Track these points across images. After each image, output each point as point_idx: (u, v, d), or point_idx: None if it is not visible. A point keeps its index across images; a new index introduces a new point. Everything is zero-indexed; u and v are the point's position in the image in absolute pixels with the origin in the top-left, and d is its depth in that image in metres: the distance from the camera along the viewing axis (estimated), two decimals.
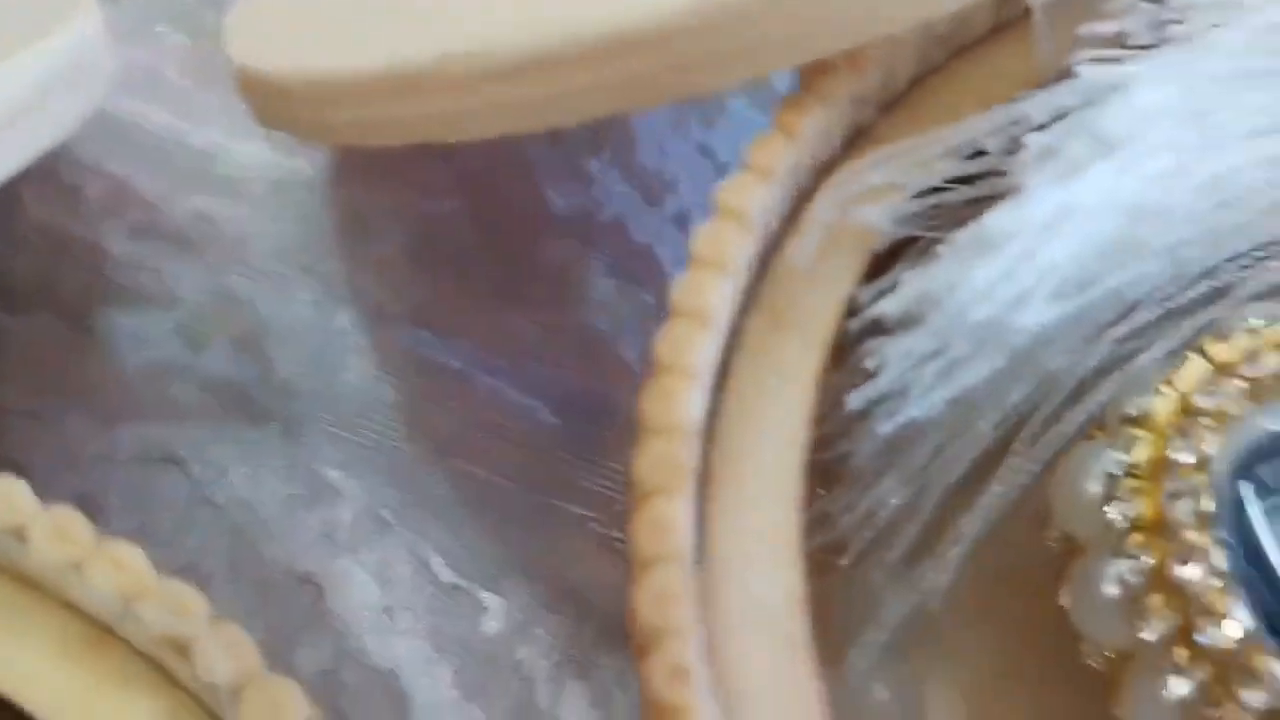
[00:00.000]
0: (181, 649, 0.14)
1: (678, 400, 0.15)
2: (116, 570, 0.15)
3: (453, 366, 0.24)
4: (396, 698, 0.22)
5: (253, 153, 0.27)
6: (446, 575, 0.23)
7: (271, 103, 0.21)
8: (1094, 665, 0.17)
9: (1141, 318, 0.18)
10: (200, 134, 0.27)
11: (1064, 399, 0.18)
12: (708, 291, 0.16)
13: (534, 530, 0.23)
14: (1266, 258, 0.18)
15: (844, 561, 0.19)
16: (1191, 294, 0.18)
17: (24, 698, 0.15)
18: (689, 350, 0.15)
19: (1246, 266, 0.17)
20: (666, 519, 0.14)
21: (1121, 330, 0.18)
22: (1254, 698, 0.15)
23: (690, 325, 0.16)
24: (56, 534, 0.15)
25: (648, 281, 0.26)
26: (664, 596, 0.14)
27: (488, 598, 0.23)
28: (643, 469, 0.15)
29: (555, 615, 0.22)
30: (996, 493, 0.18)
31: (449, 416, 0.24)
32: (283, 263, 0.26)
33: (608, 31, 0.16)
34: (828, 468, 0.18)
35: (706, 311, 0.16)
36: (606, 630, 0.22)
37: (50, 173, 0.26)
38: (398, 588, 0.23)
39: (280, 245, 0.26)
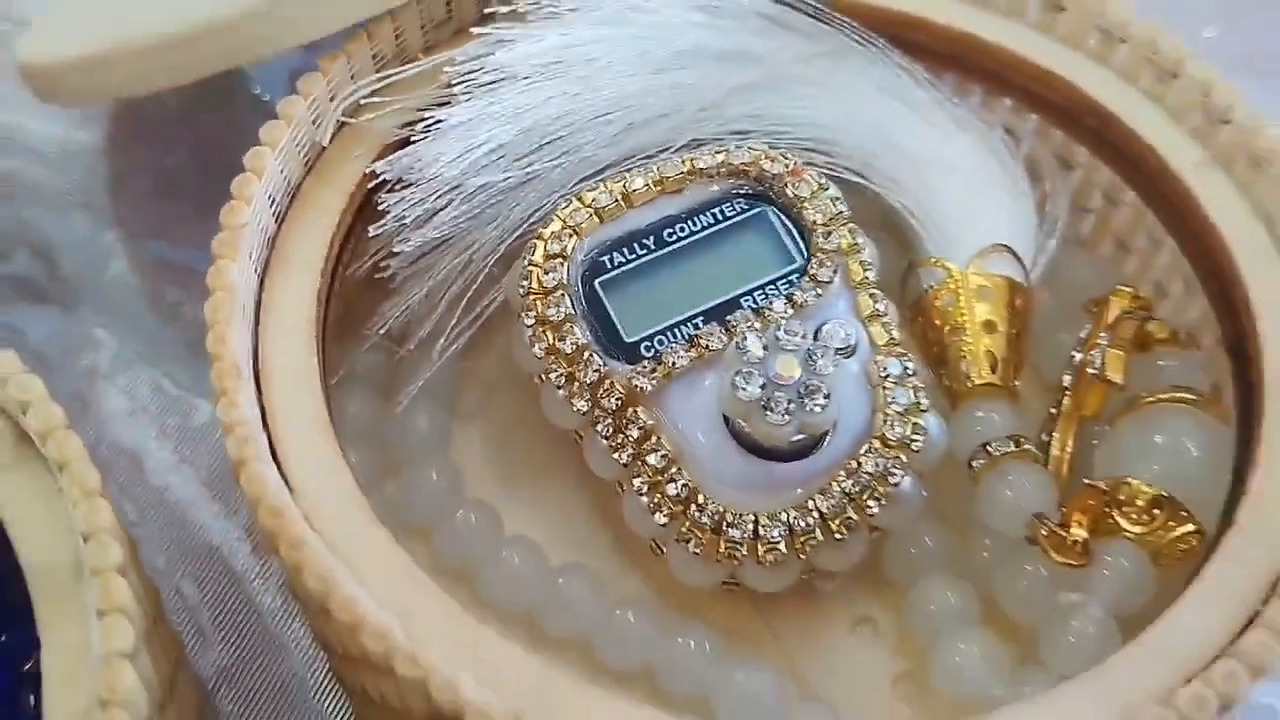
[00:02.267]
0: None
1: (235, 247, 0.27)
2: None
3: (179, 262, 0.37)
4: (136, 462, 0.33)
5: (45, 128, 0.39)
6: (171, 390, 0.35)
7: (40, 83, 0.33)
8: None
9: (532, 186, 0.30)
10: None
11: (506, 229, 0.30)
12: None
13: None
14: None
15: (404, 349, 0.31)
16: (556, 172, 0.30)
17: None
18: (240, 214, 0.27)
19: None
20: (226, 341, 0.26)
21: (525, 192, 0.30)
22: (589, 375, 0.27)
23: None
24: None
25: None
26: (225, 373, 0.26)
27: (199, 402, 0.35)
28: (209, 307, 0.26)
29: None
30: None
31: (176, 292, 0.36)
32: (68, 201, 0.38)
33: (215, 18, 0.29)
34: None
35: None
36: None
37: None
38: (139, 399, 0.34)
39: (66, 190, 0.38)
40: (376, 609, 0.23)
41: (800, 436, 0.27)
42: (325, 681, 0.31)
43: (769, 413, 0.26)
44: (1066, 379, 0.29)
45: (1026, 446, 0.28)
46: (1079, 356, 0.29)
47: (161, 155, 0.38)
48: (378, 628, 0.22)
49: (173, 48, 0.29)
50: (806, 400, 0.26)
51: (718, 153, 0.30)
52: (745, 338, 0.27)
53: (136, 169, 0.38)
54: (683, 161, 0.30)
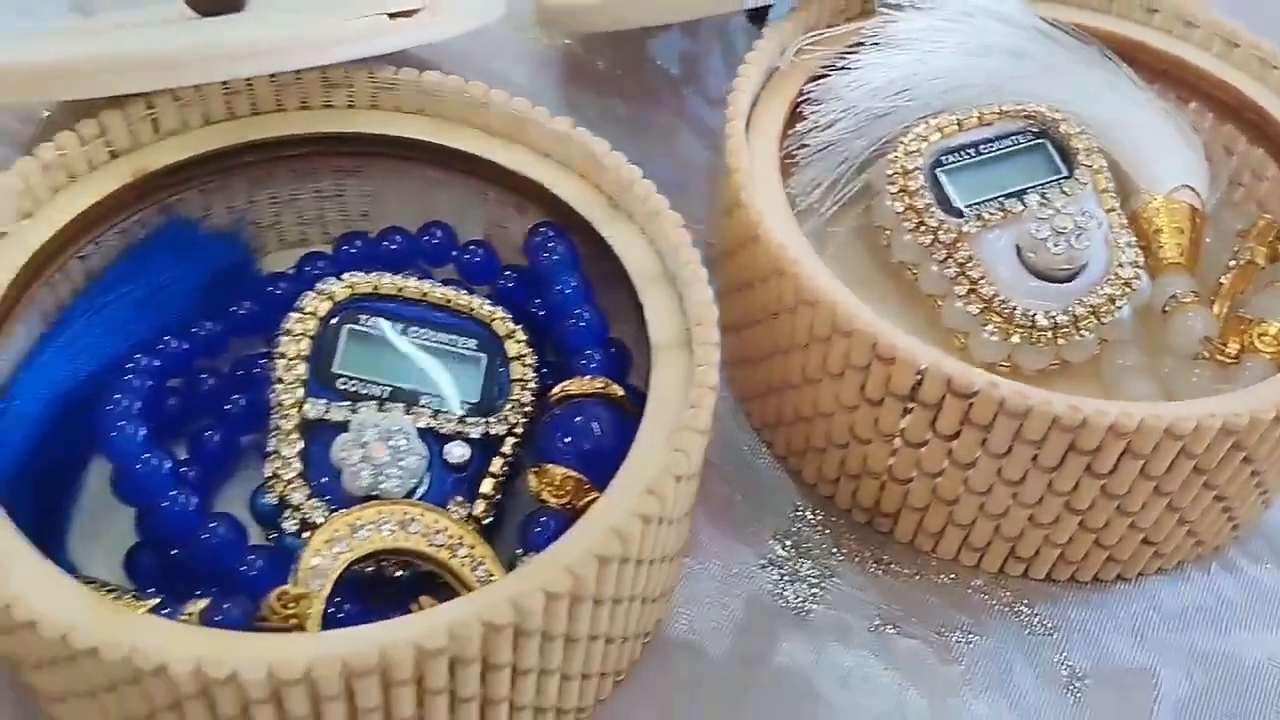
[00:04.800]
0: None
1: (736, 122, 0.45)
2: None
3: None
4: None
5: None
6: None
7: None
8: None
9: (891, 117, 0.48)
10: None
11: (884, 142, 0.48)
12: None
13: None
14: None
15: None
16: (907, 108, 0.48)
17: None
18: (734, 104, 0.45)
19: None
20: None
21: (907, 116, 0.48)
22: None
23: None
24: None
25: None
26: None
27: None
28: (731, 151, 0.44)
29: None
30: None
31: None
32: None
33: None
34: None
35: None
36: None
37: None
38: None
39: None
40: None
41: (1067, 267, 0.44)
42: None
43: (1052, 248, 0.43)
44: (1230, 264, 0.46)
45: (1198, 299, 0.45)
46: (1237, 249, 0.47)
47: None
48: None
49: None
50: (1075, 242, 0.43)
51: (1017, 104, 0.47)
52: (1038, 206, 0.44)
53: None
54: (995, 107, 0.47)
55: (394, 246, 0.45)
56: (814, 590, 0.42)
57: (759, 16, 0.58)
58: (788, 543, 0.43)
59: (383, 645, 0.30)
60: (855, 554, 0.43)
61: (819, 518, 0.44)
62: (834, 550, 0.43)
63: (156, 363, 0.41)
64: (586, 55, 0.60)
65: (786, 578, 0.43)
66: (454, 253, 0.45)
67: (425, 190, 0.47)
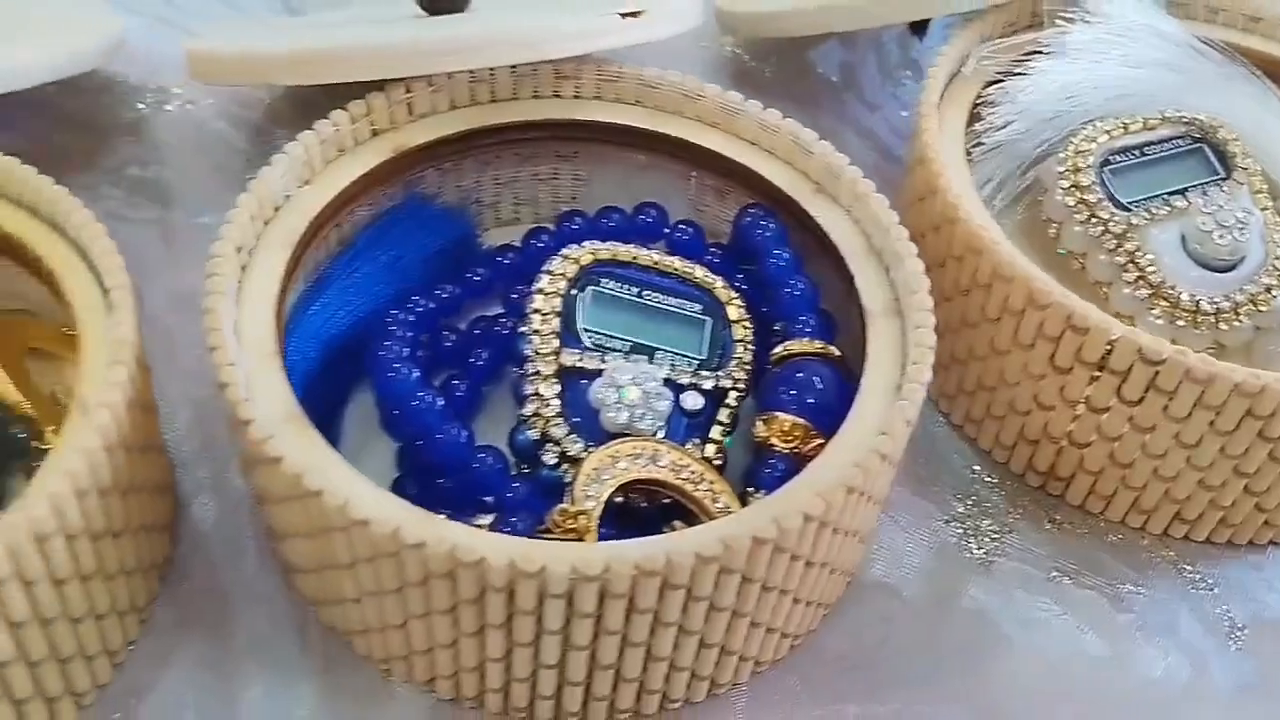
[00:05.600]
0: None
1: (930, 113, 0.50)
2: None
3: None
4: None
5: None
6: None
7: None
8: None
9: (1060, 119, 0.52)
10: None
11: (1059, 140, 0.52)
12: None
13: None
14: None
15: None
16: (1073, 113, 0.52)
17: None
18: (928, 94, 0.50)
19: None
20: None
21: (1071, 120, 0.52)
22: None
23: None
24: None
25: None
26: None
27: None
28: None
29: None
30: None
31: None
32: None
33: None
34: None
35: None
36: None
37: None
38: None
39: None
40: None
41: (1229, 258, 0.48)
42: None
43: (1217, 239, 0.48)
44: None
45: None
46: None
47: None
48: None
49: None
50: (1238, 235, 0.48)
51: (1178, 110, 0.52)
52: (1202, 202, 0.49)
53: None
54: (1158, 113, 0.52)
55: (610, 224, 0.50)
56: (994, 543, 0.46)
57: (920, 27, 0.63)
58: (969, 501, 0.48)
59: (667, 551, 0.35)
60: (1030, 514, 0.48)
61: (994, 480, 0.49)
62: (1010, 509, 0.48)
63: (411, 318, 0.45)
64: (753, 63, 0.65)
65: (969, 532, 0.47)
66: (665, 230, 0.50)
67: (631, 175, 0.52)
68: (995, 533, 0.47)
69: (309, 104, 0.60)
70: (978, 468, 0.49)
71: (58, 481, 0.35)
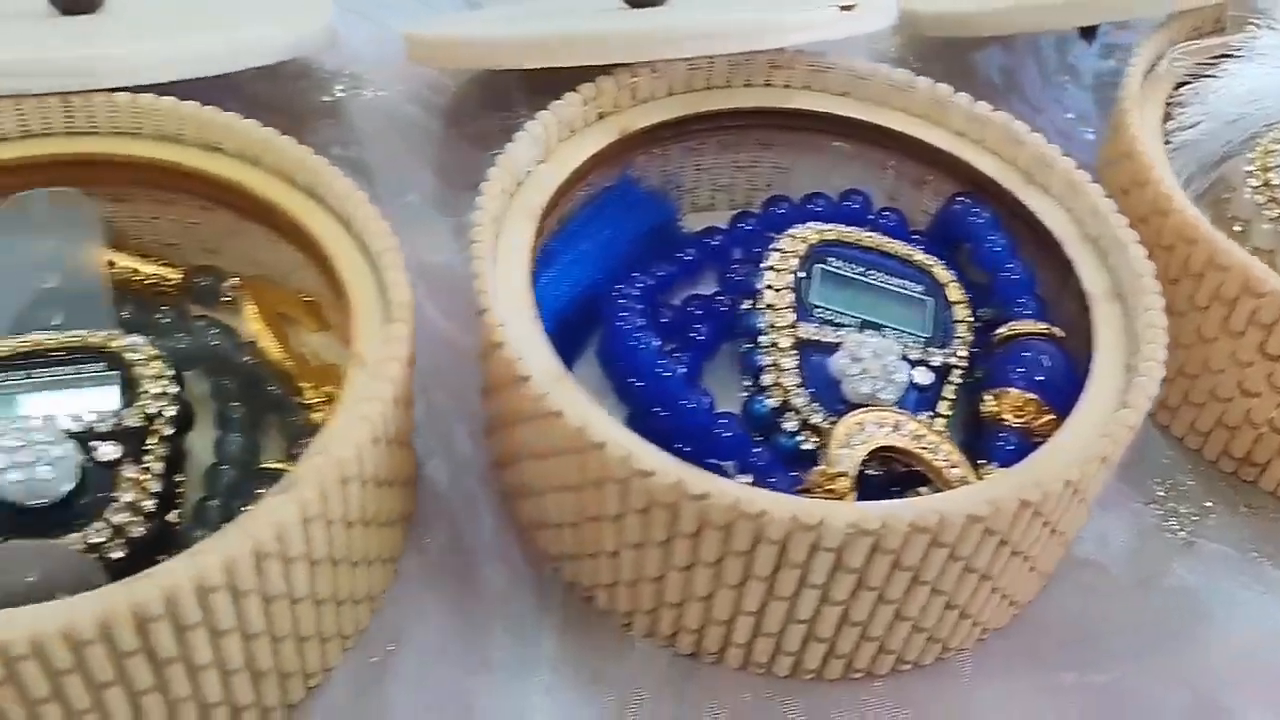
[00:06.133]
0: None
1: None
2: None
3: None
4: None
5: None
6: None
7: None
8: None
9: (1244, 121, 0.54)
10: None
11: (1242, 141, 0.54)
12: None
13: None
14: None
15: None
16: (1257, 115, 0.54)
17: None
18: (1126, 89, 0.52)
19: None
20: None
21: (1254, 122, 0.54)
22: None
23: None
24: None
25: None
26: None
27: None
28: None
29: None
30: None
31: None
32: None
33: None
34: None
35: None
36: None
37: None
38: None
39: None
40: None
41: None
42: None
43: None
44: None
45: None
46: None
47: None
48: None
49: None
50: None
51: None
52: None
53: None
54: None
55: (816, 209, 0.52)
56: (1193, 525, 0.48)
57: (1090, 32, 0.64)
58: (1168, 483, 0.49)
59: (941, 510, 0.36)
60: (1225, 498, 0.49)
61: (1189, 466, 0.50)
62: (1207, 493, 0.49)
63: (635, 292, 0.47)
64: (918, 63, 0.67)
65: (1169, 514, 0.48)
66: (869, 217, 0.52)
67: (828, 165, 0.54)
68: (1195, 516, 0.48)
69: (498, 92, 0.62)
70: (1171, 453, 0.50)
71: (358, 428, 0.37)
